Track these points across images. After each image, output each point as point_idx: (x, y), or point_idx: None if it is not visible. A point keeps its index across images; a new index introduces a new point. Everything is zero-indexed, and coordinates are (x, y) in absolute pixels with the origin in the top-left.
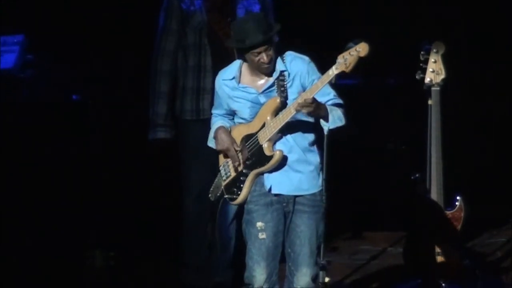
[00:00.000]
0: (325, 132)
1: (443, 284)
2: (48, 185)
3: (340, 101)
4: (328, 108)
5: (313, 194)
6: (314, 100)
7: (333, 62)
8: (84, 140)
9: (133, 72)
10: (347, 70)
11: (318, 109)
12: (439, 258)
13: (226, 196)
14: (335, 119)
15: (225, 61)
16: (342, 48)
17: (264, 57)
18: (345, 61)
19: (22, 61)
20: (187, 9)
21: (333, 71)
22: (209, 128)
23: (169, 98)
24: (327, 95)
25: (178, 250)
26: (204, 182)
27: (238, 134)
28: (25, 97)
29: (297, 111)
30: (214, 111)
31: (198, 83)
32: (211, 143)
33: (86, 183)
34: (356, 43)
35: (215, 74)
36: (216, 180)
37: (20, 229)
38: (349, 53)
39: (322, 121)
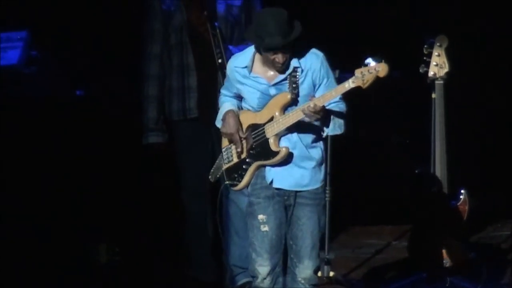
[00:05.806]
0: (323, 136)
1: (448, 278)
2: (51, 180)
3: (343, 105)
4: (331, 113)
5: (315, 189)
6: (323, 108)
7: (333, 53)
8: (88, 135)
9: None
10: (364, 87)
11: (324, 118)
12: (444, 252)
13: (227, 181)
14: (336, 126)
15: (208, 58)
16: (349, 43)
17: (280, 58)
18: (363, 77)
19: (26, 57)
20: (168, 9)
21: (350, 85)
22: (197, 126)
23: (159, 101)
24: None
25: (183, 245)
26: (198, 179)
27: (245, 120)
28: (29, 93)
29: (305, 115)
30: (223, 91)
31: (183, 83)
32: (218, 123)
33: (90, 177)
34: (376, 61)
35: (199, 72)
36: (217, 161)
37: (24, 224)
38: (368, 71)
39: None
